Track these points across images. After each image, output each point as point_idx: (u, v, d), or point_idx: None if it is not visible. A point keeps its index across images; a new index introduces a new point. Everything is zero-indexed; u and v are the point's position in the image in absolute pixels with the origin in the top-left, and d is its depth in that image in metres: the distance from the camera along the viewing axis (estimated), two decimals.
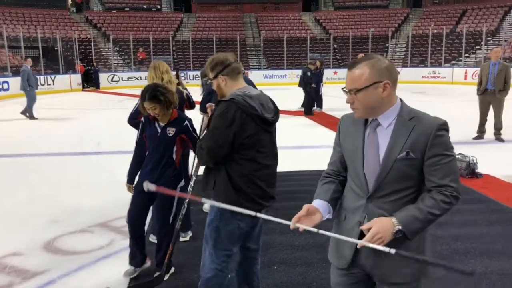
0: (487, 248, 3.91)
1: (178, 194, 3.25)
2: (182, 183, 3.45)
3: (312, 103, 13.62)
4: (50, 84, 23.95)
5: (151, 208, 3.69)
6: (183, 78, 19.06)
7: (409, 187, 1.82)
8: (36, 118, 13.41)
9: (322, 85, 14.76)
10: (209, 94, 4.43)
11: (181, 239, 4.23)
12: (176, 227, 3.30)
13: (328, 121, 12.11)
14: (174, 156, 3.40)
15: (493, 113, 8.71)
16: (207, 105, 3.01)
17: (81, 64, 27.67)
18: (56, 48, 26.88)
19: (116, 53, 30.98)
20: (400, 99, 1.88)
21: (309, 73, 13.57)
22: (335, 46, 32.32)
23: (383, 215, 1.78)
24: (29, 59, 14.35)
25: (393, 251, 1.70)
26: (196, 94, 7.88)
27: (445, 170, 1.76)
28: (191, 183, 3.17)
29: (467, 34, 28.67)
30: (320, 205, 1.94)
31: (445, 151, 1.76)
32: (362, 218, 1.86)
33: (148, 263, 3.63)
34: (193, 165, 3.68)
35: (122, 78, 27.57)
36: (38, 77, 14.21)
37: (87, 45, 30.00)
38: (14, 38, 26.04)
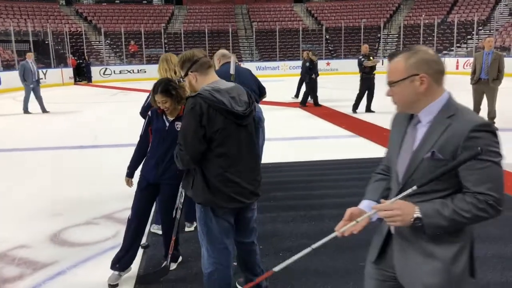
0: (486, 232, 4.02)
1: None
2: None
3: (307, 94, 13.66)
4: (42, 78, 23.67)
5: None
6: None
7: (438, 190, 1.68)
8: (30, 113, 13.36)
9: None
10: None
11: (186, 229, 4.30)
12: (176, 217, 3.35)
13: (322, 112, 12.19)
14: None
15: (487, 102, 8.82)
16: None
17: (73, 57, 27.45)
18: (47, 42, 26.67)
19: (108, 46, 30.77)
20: (449, 93, 1.75)
21: (307, 64, 13.59)
22: (327, 37, 32.32)
23: None
24: (30, 54, 14.08)
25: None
26: None
27: (481, 176, 1.60)
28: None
29: (458, 23, 28.81)
30: (367, 206, 1.85)
31: (482, 155, 1.56)
32: None
33: (131, 269, 3.50)
34: None
35: (114, 71, 27.42)
36: (36, 71, 13.73)
37: (78, 38, 29.76)
38: (4, 32, 25.79)
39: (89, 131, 10.20)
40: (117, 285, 3.35)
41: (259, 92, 4.98)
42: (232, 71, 3.73)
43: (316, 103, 13.42)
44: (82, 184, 6.03)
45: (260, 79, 5.06)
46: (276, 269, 1.86)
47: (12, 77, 21.63)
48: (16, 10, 30.96)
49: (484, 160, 1.59)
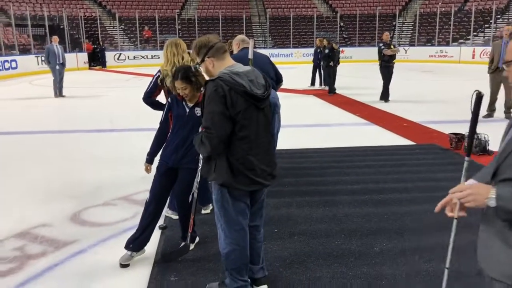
0: None
1: None
2: None
3: (332, 80, 13.60)
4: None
5: None
6: None
7: None
8: (64, 96, 13.51)
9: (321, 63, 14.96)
10: None
11: (202, 211, 4.37)
12: (194, 197, 3.42)
13: (336, 100, 12.17)
14: None
15: (504, 92, 8.73)
16: None
17: (89, 42, 27.60)
18: (62, 27, 26.78)
19: (122, 31, 30.84)
20: None
21: (327, 51, 13.53)
22: (342, 24, 32.02)
23: None
24: (55, 37, 14.13)
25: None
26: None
27: None
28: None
29: (475, 12, 28.31)
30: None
31: None
32: None
33: (144, 251, 3.57)
34: None
35: (128, 56, 27.51)
36: (61, 54, 13.75)
37: (92, 23, 29.85)
38: (20, 16, 25.94)
39: (105, 115, 10.32)
40: (128, 265, 3.43)
41: (276, 79, 5.01)
42: (250, 55, 3.76)
43: (331, 90, 13.38)
44: (99, 167, 6.13)
45: None
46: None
47: (29, 61, 21.96)
48: None
49: None
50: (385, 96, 11.61)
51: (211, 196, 4.49)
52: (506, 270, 1.59)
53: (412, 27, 31.38)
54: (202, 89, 3.38)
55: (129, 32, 31.02)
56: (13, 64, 20.98)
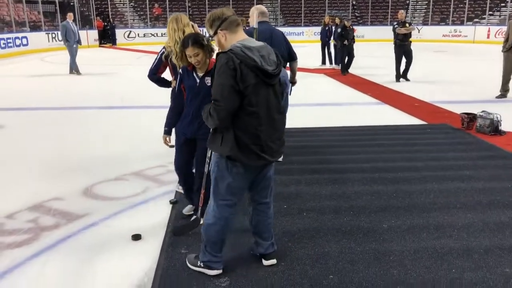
0: (510, 201, 4.02)
1: None
2: None
3: (342, 60, 13.43)
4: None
5: None
6: None
7: None
8: (81, 74, 13.51)
9: (330, 42, 14.84)
10: None
11: None
12: (205, 171, 3.45)
13: (348, 80, 12.07)
14: None
15: None
16: None
17: (99, 20, 27.51)
18: (72, 4, 26.70)
19: (132, 9, 30.67)
20: None
21: (339, 30, 13.36)
22: (354, 2, 31.51)
23: None
24: (70, 14, 14.16)
25: None
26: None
27: None
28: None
29: None
30: None
31: None
32: None
33: (193, 207, 3.84)
34: None
35: (138, 34, 27.42)
36: (76, 31, 13.80)
37: (102, 0, 29.72)
38: None
39: (116, 92, 10.35)
40: (139, 236, 3.51)
41: (289, 57, 4.95)
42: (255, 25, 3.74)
43: (343, 70, 13.25)
44: (111, 143, 6.19)
45: None
46: None
47: (39, 38, 21.99)
48: None
49: None
50: (397, 76, 11.49)
51: None
52: None
53: (425, 6, 30.79)
54: (213, 54, 3.37)
55: (139, 9, 30.84)
56: (24, 41, 21.03)
